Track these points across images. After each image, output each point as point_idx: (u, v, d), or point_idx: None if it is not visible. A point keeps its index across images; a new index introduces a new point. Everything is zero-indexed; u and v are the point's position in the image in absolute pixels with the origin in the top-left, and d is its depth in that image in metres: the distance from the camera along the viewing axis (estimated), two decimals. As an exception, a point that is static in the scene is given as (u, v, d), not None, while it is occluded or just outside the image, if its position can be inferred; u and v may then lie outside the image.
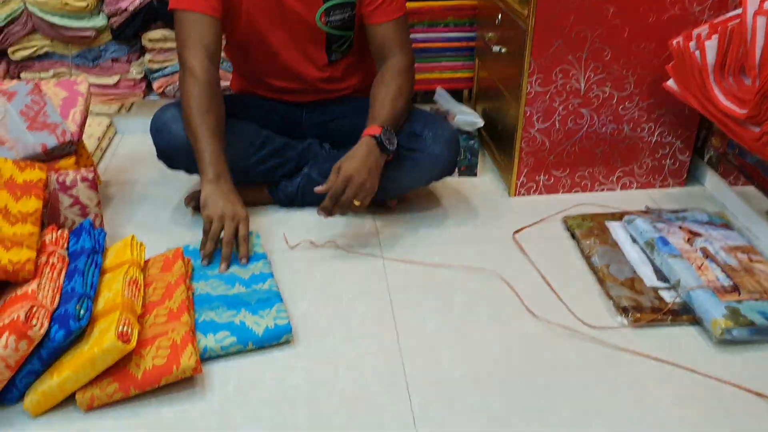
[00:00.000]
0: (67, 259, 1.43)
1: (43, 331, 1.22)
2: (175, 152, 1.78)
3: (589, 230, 1.76)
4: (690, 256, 1.58)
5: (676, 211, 1.80)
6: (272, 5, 1.72)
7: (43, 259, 1.39)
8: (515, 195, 2.01)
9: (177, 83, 2.32)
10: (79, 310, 1.27)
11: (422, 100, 2.49)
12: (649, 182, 2.04)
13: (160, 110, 1.79)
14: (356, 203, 1.62)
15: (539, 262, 1.70)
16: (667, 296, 1.54)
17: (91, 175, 1.63)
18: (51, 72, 2.32)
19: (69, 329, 1.23)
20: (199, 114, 1.63)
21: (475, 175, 2.12)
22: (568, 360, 1.41)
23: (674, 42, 1.70)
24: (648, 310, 1.50)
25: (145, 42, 2.30)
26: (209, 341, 1.39)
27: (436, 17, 2.34)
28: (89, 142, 2.21)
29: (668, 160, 2.00)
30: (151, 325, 1.37)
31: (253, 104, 1.93)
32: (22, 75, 2.33)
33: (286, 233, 1.81)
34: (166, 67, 2.34)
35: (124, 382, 1.27)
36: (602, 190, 2.03)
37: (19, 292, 1.31)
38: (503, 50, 1.98)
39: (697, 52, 1.61)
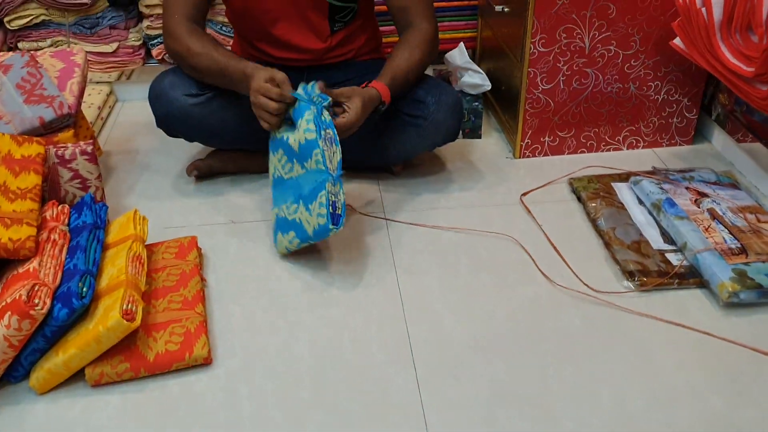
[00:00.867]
0: (68, 234, 1.42)
1: (45, 310, 1.21)
2: (174, 119, 1.76)
3: (595, 192, 1.74)
4: (697, 218, 1.56)
5: (683, 171, 1.78)
6: None
7: (44, 235, 1.38)
8: (520, 157, 1.99)
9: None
10: (82, 288, 1.27)
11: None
12: (655, 141, 2.01)
13: (158, 77, 1.77)
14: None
15: (545, 226, 1.69)
16: (674, 259, 1.52)
17: (90, 148, 1.62)
18: (48, 41, 2.29)
19: (72, 307, 1.23)
20: (206, 51, 1.62)
21: (479, 137, 2.10)
22: (573, 325, 1.41)
23: (680, -2, 1.65)
24: (654, 273, 1.48)
25: (142, 8, 2.26)
26: (284, 241, 1.56)
27: (437, -25, 2.29)
28: (89, 112, 2.19)
29: (675, 119, 1.97)
30: (164, 310, 1.38)
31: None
32: (20, 45, 2.29)
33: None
34: (164, 33, 2.30)
35: (136, 362, 1.28)
36: (608, 150, 2.00)
37: (21, 270, 1.31)
38: (506, 9, 1.93)
39: (704, 9, 1.57)
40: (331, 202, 1.42)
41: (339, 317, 1.45)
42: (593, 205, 1.70)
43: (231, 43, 2.03)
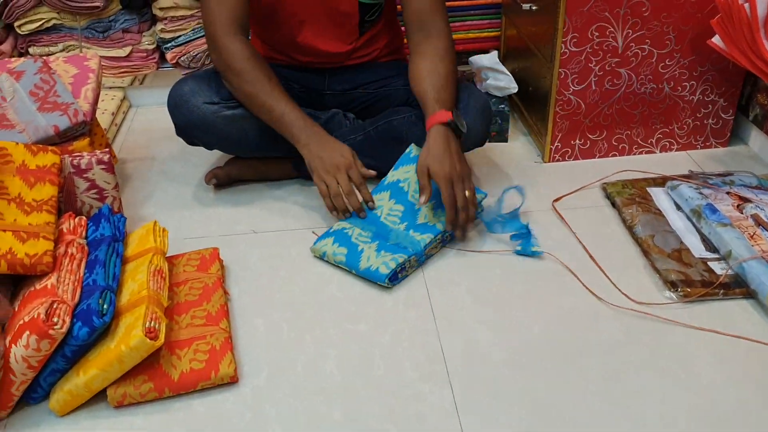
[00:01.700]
0: (86, 248, 1.36)
1: (65, 329, 1.15)
2: (195, 128, 1.71)
3: (630, 197, 1.67)
4: (741, 224, 1.49)
5: (722, 175, 1.70)
6: None
7: (62, 249, 1.33)
8: (550, 161, 1.92)
9: (191, 53, 2.24)
10: (102, 305, 1.21)
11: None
12: (690, 143, 1.94)
13: (177, 84, 1.71)
14: (467, 194, 1.53)
15: (579, 233, 1.62)
16: (718, 268, 1.45)
17: (106, 157, 1.56)
18: (60, 46, 2.23)
19: (93, 326, 1.17)
20: (260, 83, 1.60)
21: (506, 140, 2.03)
22: (614, 338, 1.34)
23: (720, -6, 1.59)
24: (698, 284, 1.41)
25: (155, 11, 2.21)
26: (329, 249, 1.54)
27: (459, -28, 2.23)
28: (103, 118, 2.13)
29: (710, 120, 1.90)
30: (187, 326, 1.32)
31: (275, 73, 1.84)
32: (31, 50, 2.24)
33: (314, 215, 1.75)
34: (179, 37, 2.24)
35: (159, 382, 1.23)
36: (641, 153, 1.93)
37: (38, 286, 1.25)
38: (534, 8, 1.87)
39: (747, 5, 1.51)
40: (401, 266, 1.48)
41: (368, 332, 1.38)
42: (629, 211, 1.63)
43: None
